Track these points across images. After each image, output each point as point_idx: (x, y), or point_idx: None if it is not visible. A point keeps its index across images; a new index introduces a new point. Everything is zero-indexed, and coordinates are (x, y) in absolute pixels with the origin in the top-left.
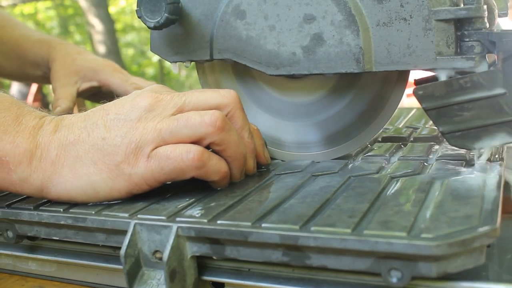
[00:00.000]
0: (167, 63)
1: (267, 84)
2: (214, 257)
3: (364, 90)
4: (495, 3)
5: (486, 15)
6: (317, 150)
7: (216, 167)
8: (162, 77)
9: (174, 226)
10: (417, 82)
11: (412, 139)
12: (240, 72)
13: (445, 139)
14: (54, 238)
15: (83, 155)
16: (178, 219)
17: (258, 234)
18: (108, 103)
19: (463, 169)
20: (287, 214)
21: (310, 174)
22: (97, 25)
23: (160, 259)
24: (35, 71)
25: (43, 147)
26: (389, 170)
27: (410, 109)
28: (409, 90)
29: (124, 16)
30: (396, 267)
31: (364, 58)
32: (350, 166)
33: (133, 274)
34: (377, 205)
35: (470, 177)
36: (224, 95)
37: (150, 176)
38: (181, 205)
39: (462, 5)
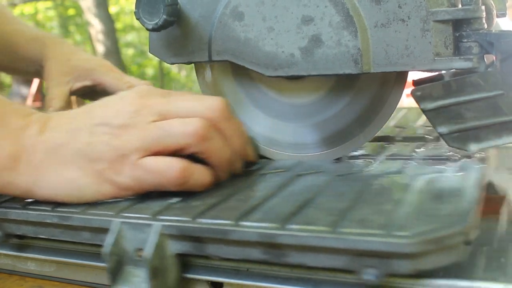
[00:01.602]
0: (167, 64)
1: (265, 85)
2: (196, 255)
3: (362, 91)
4: (493, 4)
5: (484, 15)
6: (315, 151)
7: (199, 181)
8: (162, 77)
9: (157, 225)
10: (416, 83)
11: (401, 138)
12: (239, 73)
13: (444, 140)
14: (41, 236)
15: (68, 159)
16: (161, 217)
17: (238, 233)
18: (94, 103)
19: (445, 169)
20: (269, 212)
21: (296, 173)
22: (97, 25)
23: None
24: (28, 67)
25: (29, 150)
26: (374, 169)
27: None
28: (408, 90)
29: (124, 16)
30: (371, 265)
31: (362, 59)
32: (336, 165)
33: (116, 272)
34: (357, 204)
35: (451, 176)
36: (208, 107)
37: (134, 185)
38: (166, 204)
39: (460, 6)
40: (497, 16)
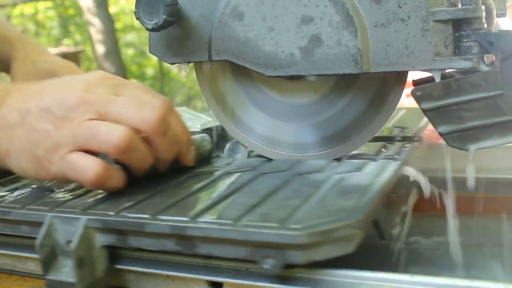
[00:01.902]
0: (167, 63)
1: (265, 85)
2: (123, 247)
3: (362, 91)
4: (493, 4)
5: (484, 15)
6: (315, 152)
7: (113, 185)
8: (162, 77)
9: (84, 218)
10: (416, 83)
11: None
12: (239, 73)
13: (444, 140)
14: None
15: (16, 140)
16: (89, 211)
17: (152, 225)
18: (46, 83)
19: (364, 167)
20: (186, 208)
21: (226, 171)
22: (97, 25)
23: None
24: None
25: None
26: (298, 168)
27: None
28: (408, 90)
29: (124, 16)
30: (269, 255)
31: (362, 59)
32: (264, 164)
33: (48, 262)
34: (268, 200)
35: (365, 174)
36: (145, 119)
37: (62, 176)
38: (97, 199)
39: (460, 6)
40: (497, 16)
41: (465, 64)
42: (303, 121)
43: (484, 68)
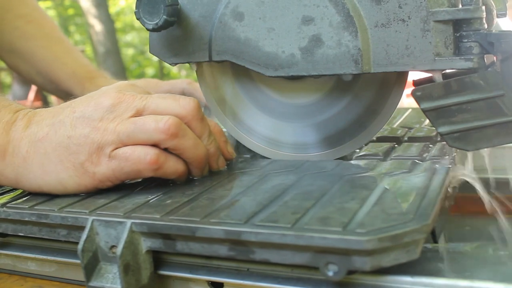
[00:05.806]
0: (167, 63)
1: (266, 85)
2: (168, 252)
3: (362, 91)
4: (493, 4)
5: (485, 16)
6: (316, 152)
7: (172, 169)
8: (162, 77)
9: (128, 222)
10: (416, 83)
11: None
12: (239, 73)
13: (444, 140)
14: (20, 234)
15: (50, 152)
16: (133, 215)
17: (204, 229)
18: (77, 99)
19: (414, 168)
20: (236, 210)
21: (267, 172)
22: (97, 25)
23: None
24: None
25: (15, 143)
26: (344, 168)
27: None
28: (408, 90)
29: (124, 16)
30: (332, 261)
31: (362, 60)
32: (307, 164)
33: (91, 268)
34: (322, 202)
35: (418, 175)
36: (183, 106)
37: (112, 175)
38: (139, 202)
39: (460, 6)
40: (497, 16)
41: (466, 65)
42: (303, 121)
43: (484, 68)
